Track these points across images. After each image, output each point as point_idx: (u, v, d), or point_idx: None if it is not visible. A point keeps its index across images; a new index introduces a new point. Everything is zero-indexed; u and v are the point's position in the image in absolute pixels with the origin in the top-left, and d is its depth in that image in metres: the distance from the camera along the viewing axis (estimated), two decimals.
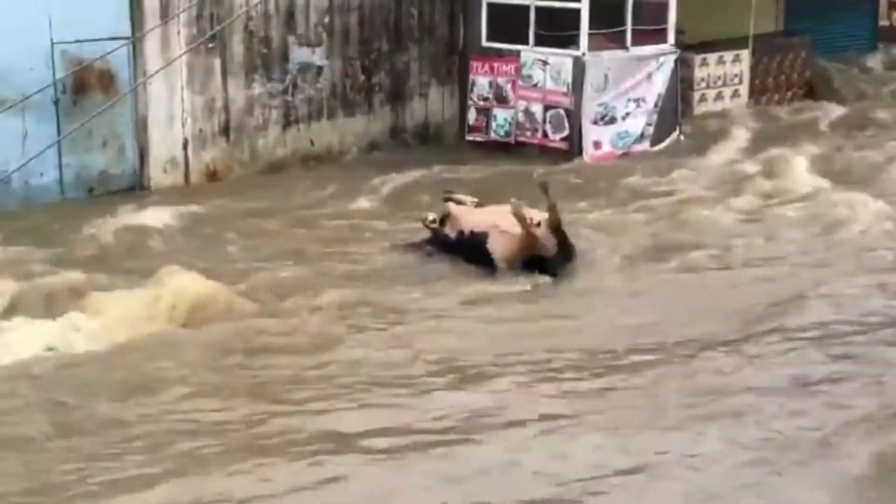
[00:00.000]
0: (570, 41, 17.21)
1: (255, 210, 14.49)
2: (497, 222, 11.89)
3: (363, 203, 14.93)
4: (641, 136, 17.68)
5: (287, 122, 16.70)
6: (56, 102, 14.53)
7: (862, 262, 12.29)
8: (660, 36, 17.96)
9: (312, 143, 16.99)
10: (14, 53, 14.11)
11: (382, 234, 13.51)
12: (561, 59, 17.25)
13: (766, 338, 10.02)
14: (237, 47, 16.09)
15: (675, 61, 18.03)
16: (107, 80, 14.91)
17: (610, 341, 10.08)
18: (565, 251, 11.78)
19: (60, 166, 14.76)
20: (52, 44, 14.53)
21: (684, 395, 8.92)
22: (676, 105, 18.18)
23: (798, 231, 13.45)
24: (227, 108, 16.05)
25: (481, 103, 18.02)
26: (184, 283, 10.66)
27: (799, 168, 15.81)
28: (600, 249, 12.62)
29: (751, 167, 16.21)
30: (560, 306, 11.15)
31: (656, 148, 17.74)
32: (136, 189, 15.39)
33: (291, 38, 16.62)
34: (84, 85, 14.77)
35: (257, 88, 16.36)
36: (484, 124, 18.01)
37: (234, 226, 13.76)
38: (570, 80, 17.15)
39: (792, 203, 14.45)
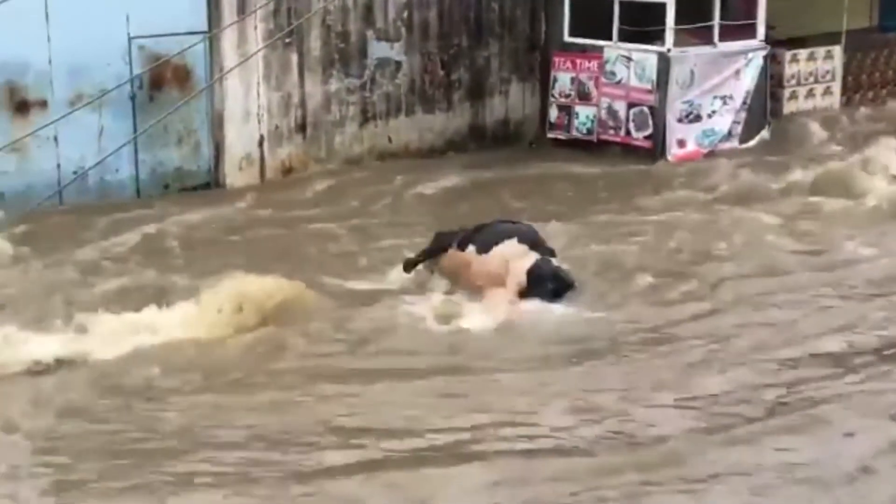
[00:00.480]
0: (655, 37, 16.76)
1: (329, 209, 14.27)
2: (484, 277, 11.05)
3: (437, 202, 14.63)
4: (729, 135, 17.19)
5: (364, 119, 16.45)
6: (132, 98, 14.45)
7: None
8: (749, 31, 17.43)
9: (390, 139, 16.73)
10: (92, 49, 14.08)
11: None
12: (645, 56, 16.81)
13: None
14: (314, 42, 15.88)
15: (765, 58, 17.50)
16: (183, 75, 14.79)
17: None
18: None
19: (136, 162, 14.67)
20: (130, 39, 14.45)
21: None
22: (765, 103, 17.65)
23: None
24: (303, 104, 15.84)
25: (563, 100, 17.65)
26: (257, 284, 10.50)
27: None
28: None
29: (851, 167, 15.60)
30: None
31: (744, 146, 17.25)
32: (212, 186, 15.24)
33: (370, 33, 16.37)
34: (160, 80, 14.66)
35: (334, 84, 16.13)
36: (565, 122, 17.63)
37: (307, 224, 13.56)
38: (654, 76, 16.71)
39: None
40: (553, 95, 17.74)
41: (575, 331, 10.19)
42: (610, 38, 17.05)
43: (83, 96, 13.73)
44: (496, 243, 11.07)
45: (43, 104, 13.94)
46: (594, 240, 12.69)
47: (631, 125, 16.95)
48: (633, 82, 16.92)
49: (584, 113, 17.44)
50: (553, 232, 12.29)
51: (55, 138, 13.86)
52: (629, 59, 16.91)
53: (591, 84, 17.36)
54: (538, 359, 9.62)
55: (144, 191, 14.81)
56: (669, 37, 16.65)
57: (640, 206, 14.28)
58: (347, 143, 16.31)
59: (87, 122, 13.78)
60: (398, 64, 16.67)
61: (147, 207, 14.22)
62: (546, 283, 10.74)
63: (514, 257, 10.95)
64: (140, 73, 14.06)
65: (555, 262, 11.02)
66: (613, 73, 17.08)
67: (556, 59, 17.69)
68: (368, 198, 14.77)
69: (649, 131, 16.79)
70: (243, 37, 15.09)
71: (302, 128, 15.87)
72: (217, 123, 15.19)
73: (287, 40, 15.35)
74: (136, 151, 14.52)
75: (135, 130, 14.12)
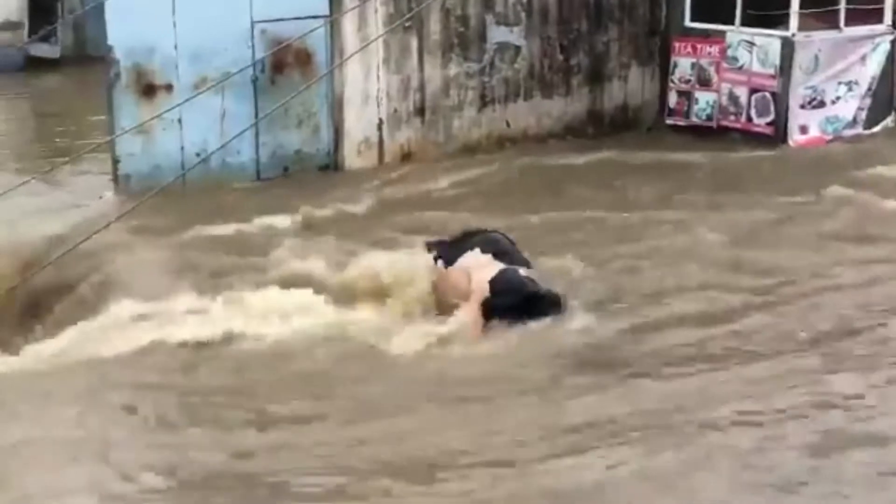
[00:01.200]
0: (778, 21, 16.45)
1: (453, 192, 14.27)
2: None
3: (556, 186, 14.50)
4: (853, 121, 16.85)
5: (483, 103, 16.42)
6: (254, 81, 14.59)
7: None
8: (875, 16, 17.02)
9: (508, 124, 16.67)
10: (216, 33, 14.26)
11: None
12: (769, 40, 16.51)
13: None
14: (434, 26, 15.87)
15: (892, 43, 17.08)
16: (304, 58, 14.90)
17: None
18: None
19: (257, 145, 14.81)
20: (252, 23, 14.59)
21: None
22: (892, 89, 17.24)
23: None
24: (422, 88, 15.86)
25: (683, 86, 17.42)
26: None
27: None
28: None
29: None
30: None
31: (868, 133, 16.88)
32: (331, 169, 15.34)
33: (489, 17, 16.31)
34: (282, 64, 14.78)
35: (454, 68, 16.12)
36: (685, 108, 17.41)
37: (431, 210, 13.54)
38: (778, 61, 16.41)
39: None
40: (673, 81, 17.52)
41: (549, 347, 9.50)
42: (732, 23, 16.77)
43: (207, 80, 13.89)
44: (460, 255, 10.29)
45: (168, 88, 14.15)
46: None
47: (752, 111, 16.67)
48: (756, 67, 16.63)
49: (704, 98, 17.20)
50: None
51: (179, 121, 14.06)
52: (752, 43, 16.63)
53: (712, 69, 17.11)
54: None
55: (264, 173, 14.96)
56: (794, 21, 16.33)
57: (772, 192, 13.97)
58: (466, 127, 16.30)
59: (210, 105, 13.95)
60: (517, 48, 16.59)
61: (271, 188, 14.35)
62: (511, 295, 9.77)
63: (477, 269, 10.03)
64: (263, 57, 14.18)
65: (524, 272, 10.08)
66: (735, 59, 16.81)
67: (677, 44, 17.46)
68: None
69: (771, 117, 16.50)
70: (364, 20, 15.14)
71: (420, 112, 15.89)
72: (337, 106, 15.27)
73: (407, 24, 15.37)
74: (256, 134, 14.66)
75: (256, 113, 14.28)
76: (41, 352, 9.84)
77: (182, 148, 14.26)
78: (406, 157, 15.80)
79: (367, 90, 15.43)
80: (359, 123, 15.43)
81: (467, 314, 9.76)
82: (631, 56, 17.67)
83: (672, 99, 17.56)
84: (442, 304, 10.09)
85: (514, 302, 9.74)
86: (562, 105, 17.09)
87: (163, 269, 11.09)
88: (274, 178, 14.88)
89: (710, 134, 16.93)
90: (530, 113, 16.83)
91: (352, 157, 15.43)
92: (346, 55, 14.67)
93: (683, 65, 17.39)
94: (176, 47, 14.15)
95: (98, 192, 14.18)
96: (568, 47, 17.04)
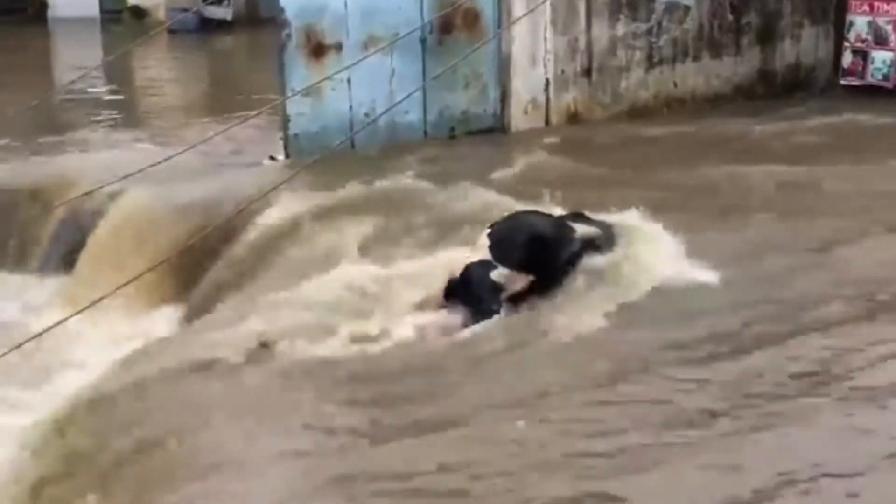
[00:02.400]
0: None
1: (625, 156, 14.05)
2: None
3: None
4: None
5: (650, 64, 16.21)
6: (423, 42, 14.64)
7: None
8: None
9: (675, 85, 16.44)
10: None
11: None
12: None
13: None
14: None
15: None
16: (472, 19, 14.89)
17: None
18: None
19: (424, 105, 14.90)
20: None
21: None
22: None
23: None
24: (589, 48, 15.73)
25: (858, 45, 16.94)
26: None
27: None
28: None
29: None
30: None
31: None
32: (497, 130, 15.35)
33: None
34: (450, 25, 14.79)
35: (621, 29, 15.94)
36: (860, 67, 16.94)
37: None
38: None
39: None
40: (848, 40, 17.05)
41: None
42: None
43: (376, 40, 14.03)
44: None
45: (338, 47, 14.26)
46: None
47: None
48: None
49: (880, 58, 16.73)
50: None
51: (348, 81, 14.18)
52: None
53: (889, 28, 16.61)
54: None
55: (431, 134, 15.03)
56: None
57: None
58: (633, 88, 16.13)
59: (378, 65, 14.04)
60: (687, 8, 16.31)
61: (439, 148, 14.44)
62: (474, 290, 9.02)
63: (456, 260, 9.33)
64: (432, 18, 14.22)
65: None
66: None
67: (853, 2, 16.97)
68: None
69: None
70: None
71: (587, 72, 15.77)
72: (504, 67, 15.26)
73: None
74: (423, 95, 14.74)
75: (424, 74, 14.36)
76: (213, 320, 9.86)
77: (350, 108, 14.40)
78: (572, 117, 15.71)
79: (534, 51, 15.36)
80: (525, 84, 15.38)
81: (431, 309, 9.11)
82: (804, 15, 17.23)
83: (847, 59, 17.09)
84: None
85: (480, 296, 9.02)
86: (731, 65, 16.77)
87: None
88: (440, 139, 14.95)
89: (886, 94, 16.44)
90: (699, 73, 16.57)
91: (518, 118, 15.40)
92: (513, 16, 14.62)
93: (859, 23, 16.90)
94: (346, 6, 14.25)
95: (268, 152, 14.44)
96: (738, 6, 16.68)
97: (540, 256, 9.12)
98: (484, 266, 9.10)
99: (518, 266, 9.07)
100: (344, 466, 6.69)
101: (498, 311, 8.94)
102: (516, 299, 9.02)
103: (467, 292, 9.05)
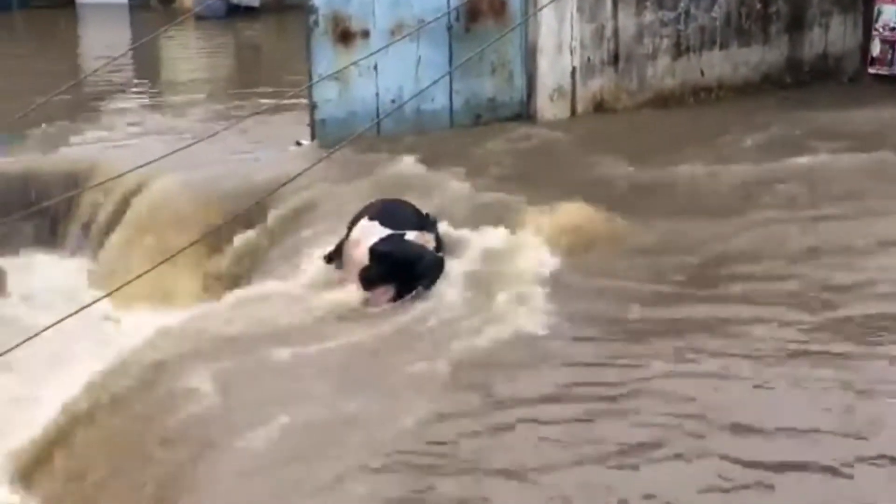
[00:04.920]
0: None
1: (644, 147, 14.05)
2: None
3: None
4: None
5: (678, 52, 16.18)
6: (449, 29, 14.66)
7: None
8: None
9: (702, 73, 16.41)
10: None
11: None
12: None
13: None
14: None
15: None
16: (498, 7, 14.90)
17: None
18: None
19: (450, 93, 14.93)
20: None
21: None
22: None
23: None
24: (616, 35, 15.71)
25: (887, 34, 16.85)
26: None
27: None
28: None
29: None
30: None
31: None
32: (523, 118, 15.36)
33: None
34: (476, 12, 14.80)
35: (648, 16, 15.90)
36: (889, 57, 16.85)
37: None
38: None
39: None
40: (876, 29, 16.98)
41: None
42: None
43: (403, 26, 14.08)
44: (353, 225, 9.70)
45: (365, 34, 14.32)
46: None
47: None
48: None
49: None
50: None
51: (375, 67, 14.25)
52: None
53: None
54: None
55: (457, 121, 15.06)
56: None
57: None
58: (659, 76, 16.10)
59: (405, 52, 14.09)
60: None
61: (463, 136, 14.47)
62: (389, 265, 9.13)
63: (365, 237, 9.41)
64: (459, 5, 14.25)
65: (414, 235, 9.47)
66: None
67: None
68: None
69: None
70: None
71: (614, 60, 15.76)
72: (530, 55, 15.27)
73: None
74: (450, 82, 14.77)
75: (450, 61, 14.40)
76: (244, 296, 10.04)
77: (377, 94, 14.45)
78: (598, 105, 15.71)
79: (560, 38, 15.36)
80: (552, 72, 15.38)
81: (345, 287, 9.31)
82: (832, 3, 17.14)
83: (875, 48, 17.01)
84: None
85: (391, 269, 9.17)
86: (759, 53, 16.72)
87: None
88: (466, 126, 14.97)
89: None
90: (726, 62, 16.53)
91: (544, 106, 15.40)
92: (540, 3, 14.62)
93: (888, 12, 16.81)
94: None
95: (295, 138, 14.52)
96: None
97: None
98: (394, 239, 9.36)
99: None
100: None
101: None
102: None
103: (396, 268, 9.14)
